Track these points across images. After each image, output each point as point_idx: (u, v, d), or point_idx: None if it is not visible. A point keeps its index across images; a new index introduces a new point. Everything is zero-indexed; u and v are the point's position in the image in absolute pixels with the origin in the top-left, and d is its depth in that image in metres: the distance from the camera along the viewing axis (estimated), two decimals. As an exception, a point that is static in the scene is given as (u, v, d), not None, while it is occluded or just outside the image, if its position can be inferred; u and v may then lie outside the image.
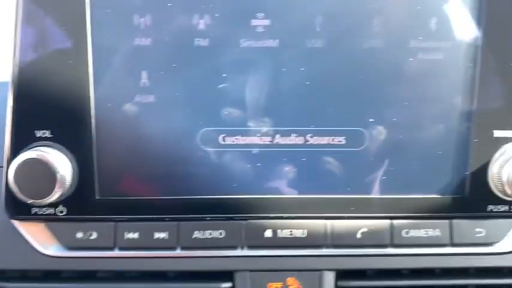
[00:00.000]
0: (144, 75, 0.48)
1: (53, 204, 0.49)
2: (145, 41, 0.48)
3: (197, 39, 0.48)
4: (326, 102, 0.49)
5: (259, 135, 0.50)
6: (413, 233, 0.52)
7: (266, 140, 0.50)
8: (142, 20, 0.47)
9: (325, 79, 0.49)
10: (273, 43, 0.48)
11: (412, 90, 0.49)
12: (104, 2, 0.47)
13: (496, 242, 0.53)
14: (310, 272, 0.53)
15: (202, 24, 0.47)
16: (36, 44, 0.48)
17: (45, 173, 0.47)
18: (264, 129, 0.50)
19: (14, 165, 0.47)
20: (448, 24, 0.49)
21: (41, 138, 0.49)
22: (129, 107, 0.49)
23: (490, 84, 0.50)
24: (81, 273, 0.54)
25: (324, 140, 0.50)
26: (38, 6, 0.47)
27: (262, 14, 0.47)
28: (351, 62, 0.49)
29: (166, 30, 0.48)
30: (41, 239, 0.51)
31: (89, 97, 0.48)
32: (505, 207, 0.52)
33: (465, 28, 0.49)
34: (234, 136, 0.50)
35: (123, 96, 0.49)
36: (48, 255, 0.51)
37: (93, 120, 0.49)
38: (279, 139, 0.50)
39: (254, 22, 0.48)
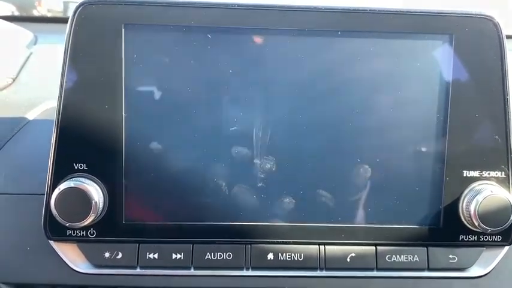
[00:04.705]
0: (168, 118, 0.56)
1: (86, 227, 0.56)
2: (171, 91, 0.56)
3: (214, 90, 0.56)
4: (320, 143, 0.57)
5: (263, 171, 0.57)
6: (395, 258, 0.58)
7: (269, 174, 0.57)
8: (168, 73, 0.56)
9: (319, 124, 0.57)
10: (276, 94, 0.57)
11: (393, 135, 0.58)
12: (137, 58, 0.55)
13: (467, 268, 0.60)
14: (306, 291, 0.59)
15: (218, 78, 0.56)
16: (77, 91, 0.55)
17: (82, 201, 0.54)
18: (268, 165, 0.57)
19: (55, 193, 0.54)
20: (423, 82, 0.57)
21: (78, 170, 0.56)
22: (154, 145, 0.56)
23: (459, 131, 0.57)
24: (105, 288, 0.61)
25: (319, 176, 0.58)
26: (82, 63, 0.55)
27: (268, 71, 0.57)
28: (341, 111, 0.57)
29: (188, 83, 0.56)
30: (73, 258, 0.58)
31: (121, 136, 0.56)
32: (474, 237, 0.58)
33: (437, 84, 0.57)
34: (242, 171, 0.57)
35: (150, 136, 0.56)
36: (78, 272, 0.58)
37: (123, 156, 0.56)
38: (280, 174, 0.57)
39: (261, 77, 0.57)
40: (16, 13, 1.17)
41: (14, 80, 0.83)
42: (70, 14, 0.56)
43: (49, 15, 1.20)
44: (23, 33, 1.02)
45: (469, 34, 0.57)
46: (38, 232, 0.57)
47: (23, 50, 0.94)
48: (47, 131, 0.58)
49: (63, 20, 1.16)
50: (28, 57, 0.92)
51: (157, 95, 0.56)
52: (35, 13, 1.21)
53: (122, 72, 0.55)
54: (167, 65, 0.56)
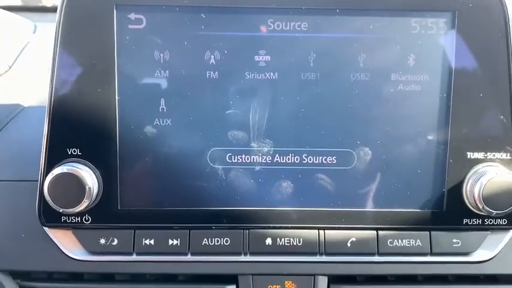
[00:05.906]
0: (162, 101, 0.55)
1: (80, 213, 0.55)
2: (164, 73, 0.55)
3: (208, 72, 0.55)
4: (319, 126, 0.56)
5: (260, 155, 0.57)
6: (397, 242, 0.57)
7: (267, 159, 0.57)
8: (162, 55, 0.55)
9: (318, 107, 0.56)
10: (273, 75, 0.55)
11: (394, 117, 0.56)
12: (129, 40, 0.54)
13: (471, 252, 0.58)
14: (305, 277, 0.58)
15: (213, 59, 0.55)
16: (69, 74, 0.54)
17: (75, 186, 0.53)
18: (265, 149, 0.56)
19: (48, 179, 0.53)
20: (425, 60, 0.55)
21: (72, 155, 0.55)
22: (149, 129, 0.55)
23: (462, 111, 0.55)
24: (102, 275, 0.60)
25: (318, 160, 0.57)
26: (73, 45, 0.54)
27: (264, 51, 0.55)
28: (341, 92, 0.56)
29: (182, 64, 0.55)
30: (67, 244, 0.57)
31: (115, 120, 0.54)
32: (479, 221, 0.57)
33: (440, 63, 0.55)
34: (239, 155, 0.56)
35: (145, 120, 0.55)
36: (73, 259, 0.57)
37: (117, 140, 0.55)
38: (278, 158, 0.56)
39: (257, 58, 0.55)
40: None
41: (10, 68, 0.82)
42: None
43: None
44: (22, 22, 1.01)
45: (473, 11, 0.55)
46: (33, 219, 0.56)
47: (21, 38, 0.93)
48: (41, 118, 0.57)
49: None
50: (25, 45, 0.91)
51: (150, 77, 0.55)
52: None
53: (114, 55, 0.54)
54: (160, 47, 0.55)
